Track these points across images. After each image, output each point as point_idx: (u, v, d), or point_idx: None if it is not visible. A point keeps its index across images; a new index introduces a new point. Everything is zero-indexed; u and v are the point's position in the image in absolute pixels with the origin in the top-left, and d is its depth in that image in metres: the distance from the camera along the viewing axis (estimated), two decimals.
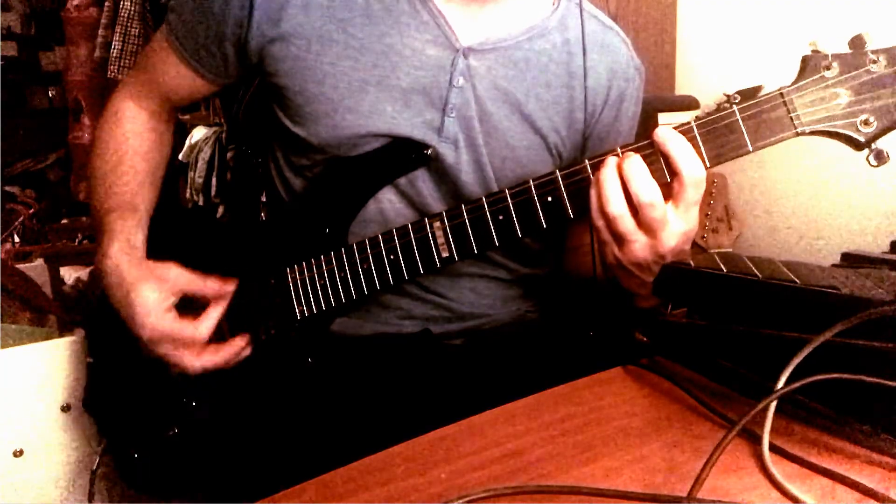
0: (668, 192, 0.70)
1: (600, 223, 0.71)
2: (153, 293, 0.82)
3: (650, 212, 0.68)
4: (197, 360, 0.84)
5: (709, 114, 0.71)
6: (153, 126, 0.97)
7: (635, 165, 0.68)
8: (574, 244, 1.00)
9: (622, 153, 0.71)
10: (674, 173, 0.69)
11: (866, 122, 0.65)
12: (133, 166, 0.93)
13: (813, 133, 0.67)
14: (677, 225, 0.70)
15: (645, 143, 0.72)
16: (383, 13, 0.84)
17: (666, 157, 0.69)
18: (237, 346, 0.86)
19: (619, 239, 0.71)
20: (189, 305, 0.86)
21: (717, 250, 1.50)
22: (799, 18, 1.56)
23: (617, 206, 0.69)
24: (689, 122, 0.70)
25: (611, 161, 0.70)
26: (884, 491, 0.52)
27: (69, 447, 1.15)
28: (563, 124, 0.90)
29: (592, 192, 0.71)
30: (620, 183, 0.69)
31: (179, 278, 0.84)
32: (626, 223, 0.69)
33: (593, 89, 0.90)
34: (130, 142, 0.94)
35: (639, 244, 0.70)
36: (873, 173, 0.68)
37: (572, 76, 0.89)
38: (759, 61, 1.65)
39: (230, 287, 0.87)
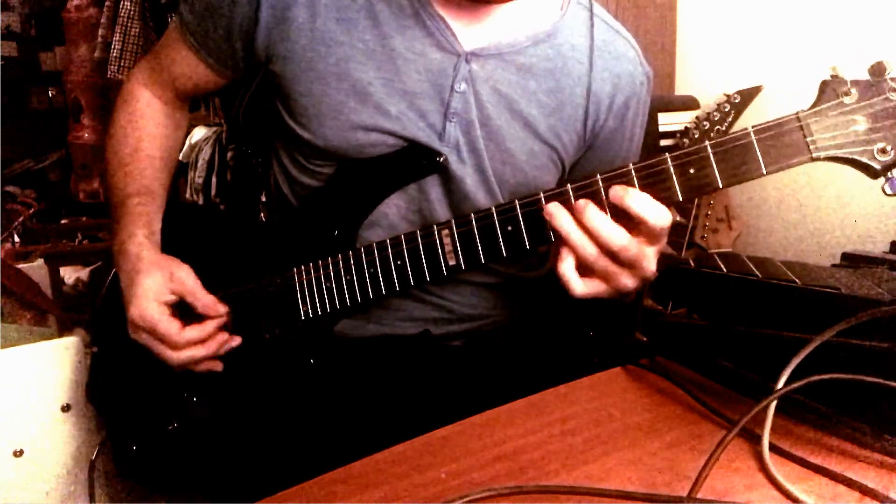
0: (636, 228, 0.68)
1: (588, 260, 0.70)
2: (158, 281, 0.84)
3: (626, 253, 0.68)
4: (175, 354, 0.84)
5: (721, 133, 0.68)
6: (168, 112, 0.99)
7: (596, 218, 0.68)
8: None
9: (603, 185, 0.69)
10: (638, 223, 0.68)
11: (883, 151, 0.63)
12: (151, 152, 0.95)
13: (828, 159, 0.65)
14: (653, 250, 0.70)
15: (622, 170, 0.70)
16: (387, 16, 0.83)
17: (627, 213, 0.68)
18: (218, 342, 0.86)
19: (605, 276, 0.70)
20: (188, 315, 0.86)
21: (717, 250, 1.50)
22: (799, 19, 1.56)
23: (589, 251, 0.68)
24: (704, 144, 0.67)
25: (573, 210, 0.69)
26: (884, 491, 0.52)
27: (69, 447, 1.15)
28: (565, 130, 0.89)
29: (562, 239, 0.70)
30: (585, 232, 0.68)
31: (186, 281, 0.85)
32: (604, 263, 0.69)
33: (596, 96, 0.89)
34: (148, 128, 0.96)
35: (624, 276, 0.70)
36: None
37: (577, 83, 0.88)
38: (758, 62, 1.65)
39: (222, 309, 0.87)
